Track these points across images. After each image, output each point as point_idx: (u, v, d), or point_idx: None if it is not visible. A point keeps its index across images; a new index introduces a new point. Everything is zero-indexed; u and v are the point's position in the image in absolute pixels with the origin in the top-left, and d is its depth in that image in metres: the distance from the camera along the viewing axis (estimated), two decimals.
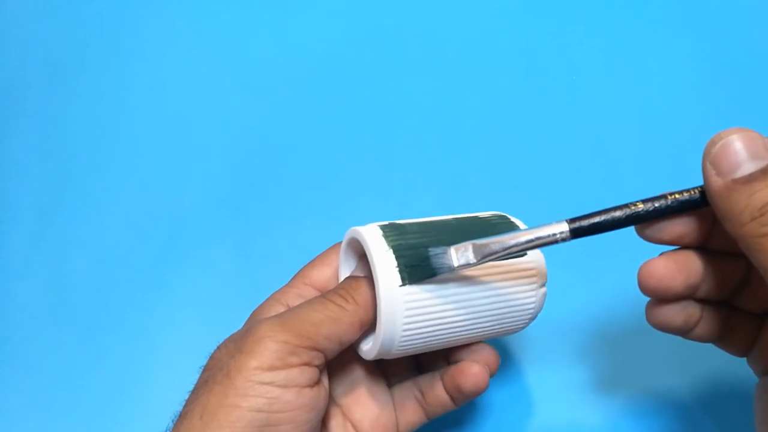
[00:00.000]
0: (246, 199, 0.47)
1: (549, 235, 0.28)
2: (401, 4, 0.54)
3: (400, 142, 0.48)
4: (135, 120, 0.50)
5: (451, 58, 0.52)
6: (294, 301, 0.33)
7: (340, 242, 0.34)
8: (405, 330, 0.30)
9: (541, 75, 0.51)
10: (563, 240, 0.28)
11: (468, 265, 0.30)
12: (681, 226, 0.29)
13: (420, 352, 0.32)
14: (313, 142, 0.49)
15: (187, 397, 0.29)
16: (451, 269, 0.30)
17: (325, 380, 0.31)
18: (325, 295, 0.31)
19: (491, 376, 0.33)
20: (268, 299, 0.34)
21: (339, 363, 0.34)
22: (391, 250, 0.30)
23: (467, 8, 0.53)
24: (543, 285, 0.33)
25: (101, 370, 0.42)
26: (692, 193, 0.28)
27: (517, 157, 0.48)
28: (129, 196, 0.47)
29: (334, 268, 0.34)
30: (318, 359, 0.29)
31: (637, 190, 0.45)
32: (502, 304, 0.32)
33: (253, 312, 0.34)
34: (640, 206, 0.28)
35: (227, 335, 0.32)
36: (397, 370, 0.36)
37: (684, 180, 0.46)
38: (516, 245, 0.29)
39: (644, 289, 0.29)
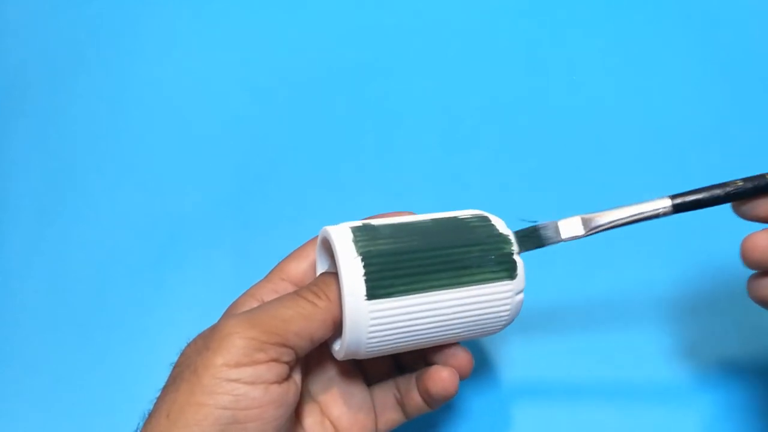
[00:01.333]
0: (246, 199, 0.47)
1: (652, 210, 0.31)
2: (401, 4, 0.54)
3: (400, 142, 0.48)
4: (135, 120, 0.50)
5: (451, 58, 0.51)
6: (268, 297, 0.32)
7: (317, 236, 0.34)
8: (371, 337, 0.30)
9: (541, 75, 0.51)
10: (665, 214, 0.31)
11: (576, 237, 0.32)
12: None
13: (390, 353, 0.32)
14: (313, 143, 0.49)
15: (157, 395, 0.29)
16: (560, 241, 0.32)
17: (297, 376, 0.30)
18: (298, 291, 0.31)
19: (464, 378, 0.33)
20: (243, 295, 0.33)
21: (317, 360, 0.34)
22: (359, 258, 0.30)
23: (467, 8, 0.53)
24: (519, 293, 0.32)
25: (101, 371, 0.42)
26: None
27: (518, 157, 0.48)
28: (129, 196, 0.47)
29: (310, 262, 0.34)
30: (287, 355, 0.29)
31: (638, 188, 0.45)
32: (473, 313, 0.31)
33: (228, 307, 0.33)
34: (740, 184, 0.30)
35: None
36: (377, 369, 0.36)
37: (685, 177, 0.45)
38: (622, 219, 0.31)
39: (748, 261, 0.30)
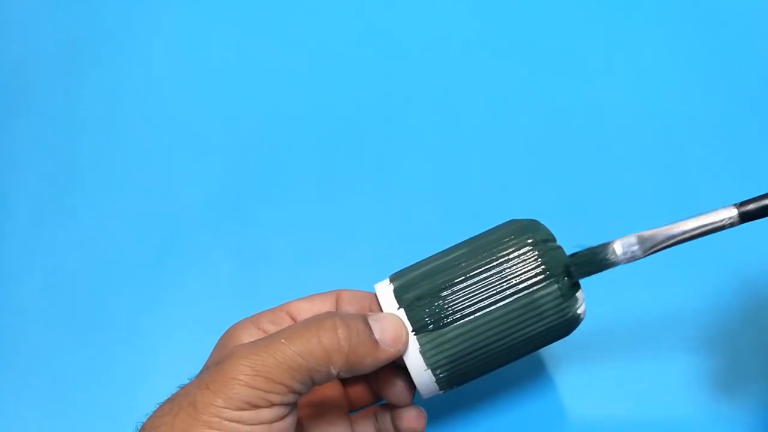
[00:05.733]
0: (245, 199, 0.47)
1: (717, 222, 0.28)
2: (402, 3, 0.54)
3: (400, 142, 0.48)
4: (134, 120, 0.50)
5: (452, 59, 0.51)
6: (267, 327, 0.32)
7: (335, 291, 0.34)
8: (438, 379, 0.31)
9: (541, 74, 0.50)
10: (731, 225, 0.28)
11: (634, 259, 0.29)
12: None
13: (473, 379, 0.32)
14: (313, 143, 0.49)
15: (153, 410, 0.28)
16: (617, 264, 0.30)
17: (295, 407, 0.29)
18: (325, 331, 0.28)
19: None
20: (245, 320, 0.33)
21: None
22: (403, 309, 0.31)
23: (467, 8, 0.53)
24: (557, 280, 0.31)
25: (99, 371, 0.42)
26: None
27: (518, 156, 0.47)
28: (128, 196, 0.47)
29: (316, 307, 0.33)
30: (292, 398, 0.28)
31: (640, 188, 0.45)
32: (519, 315, 0.31)
33: (227, 332, 0.33)
34: None
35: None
36: (359, 398, 0.35)
37: (687, 178, 0.45)
38: (681, 234, 0.28)
39: None
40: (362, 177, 0.47)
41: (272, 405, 0.27)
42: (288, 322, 0.32)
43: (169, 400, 0.28)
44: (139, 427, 0.28)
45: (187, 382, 0.29)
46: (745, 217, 0.27)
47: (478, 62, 0.51)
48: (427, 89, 0.50)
